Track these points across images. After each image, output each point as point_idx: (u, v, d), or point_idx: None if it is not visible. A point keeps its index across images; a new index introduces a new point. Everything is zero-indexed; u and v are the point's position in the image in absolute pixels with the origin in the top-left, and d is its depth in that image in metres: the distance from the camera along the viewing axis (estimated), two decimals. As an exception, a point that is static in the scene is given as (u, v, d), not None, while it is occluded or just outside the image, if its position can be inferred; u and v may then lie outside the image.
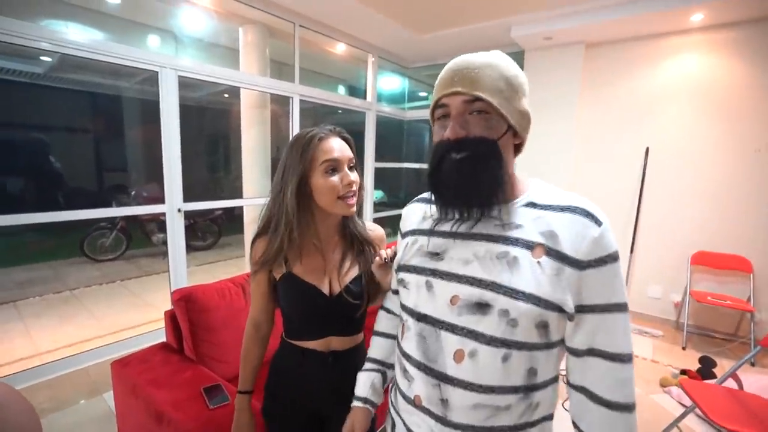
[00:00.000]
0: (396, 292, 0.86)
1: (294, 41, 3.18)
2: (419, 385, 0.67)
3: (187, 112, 2.46)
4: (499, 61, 0.65)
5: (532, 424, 0.64)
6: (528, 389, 0.61)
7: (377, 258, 0.87)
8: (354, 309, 0.95)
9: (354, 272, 0.96)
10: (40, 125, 5.09)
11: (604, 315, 0.59)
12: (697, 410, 1.75)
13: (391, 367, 0.88)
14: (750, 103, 2.85)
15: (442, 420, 0.64)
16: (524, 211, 0.65)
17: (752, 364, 2.68)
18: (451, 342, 0.63)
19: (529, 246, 0.61)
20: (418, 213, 0.80)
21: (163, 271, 4.44)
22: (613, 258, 0.59)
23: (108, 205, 5.55)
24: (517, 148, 0.69)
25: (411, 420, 0.70)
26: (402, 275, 0.74)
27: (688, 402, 2.09)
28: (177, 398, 1.28)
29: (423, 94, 5.64)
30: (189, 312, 1.49)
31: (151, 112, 2.36)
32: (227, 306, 1.60)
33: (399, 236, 0.85)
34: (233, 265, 4.92)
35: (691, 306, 3.08)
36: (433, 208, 0.74)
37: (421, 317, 0.68)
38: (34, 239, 5.00)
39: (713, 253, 3.05)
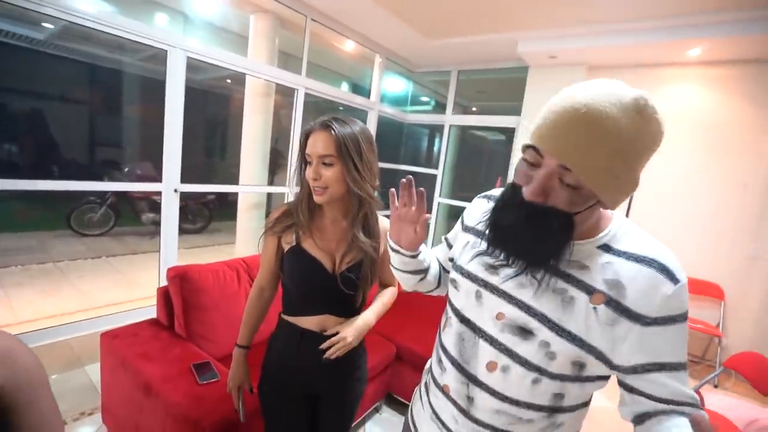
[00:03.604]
0: (450, 246, 0.85)
1: (305, 34, 3.20)
2: (450, 378, 0.70)
3: (187, 94, 2.45)
4: (615, 122, 0.52)
5: None
6: (553, 410, 0.62)
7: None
8: (350, 289, 0.99)
9: (354, 256, 0.99)
10: (36, 92, 5.00)
11: (661, 374, 0.57)
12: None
13: (426, 271, 0.82)
14: (742, 138, 2.96)
15: (465, 413, 0.67)
16: (596, 252, 0.61)
17: (715, 386, 2.80)
18: (487, 352, 0.64)
19: (590, 291, 0.58)
20: (484, 211, 0.72)
21: (151, 251, 4.41)
22: (682, 318, 0.57)
23: (99, 179, 5.48)
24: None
25: (437, 403, 0.74)
26: (455, 276, 0.74)
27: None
28: (166, 372, 1.31)
29: (425, 99, 5.71)
30: (183, 290, 1.52)
31: (152, 90, 2.33)
32: (220, 287, 1.63)
33: (460, 224, 0.82)
34: (222, 251, 4.89)
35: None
36: None
37: (464, 320, 0.70)
38: (21, 207, 4.90)
39: (689, 278, 3.15)
